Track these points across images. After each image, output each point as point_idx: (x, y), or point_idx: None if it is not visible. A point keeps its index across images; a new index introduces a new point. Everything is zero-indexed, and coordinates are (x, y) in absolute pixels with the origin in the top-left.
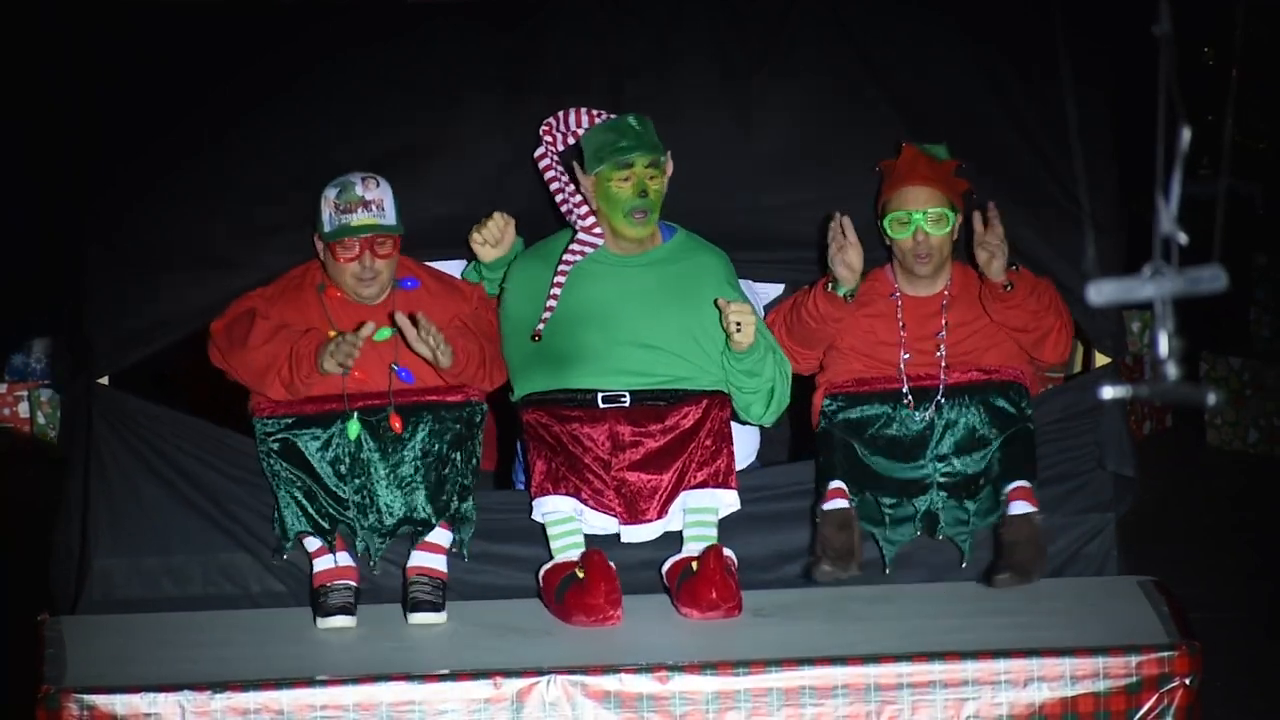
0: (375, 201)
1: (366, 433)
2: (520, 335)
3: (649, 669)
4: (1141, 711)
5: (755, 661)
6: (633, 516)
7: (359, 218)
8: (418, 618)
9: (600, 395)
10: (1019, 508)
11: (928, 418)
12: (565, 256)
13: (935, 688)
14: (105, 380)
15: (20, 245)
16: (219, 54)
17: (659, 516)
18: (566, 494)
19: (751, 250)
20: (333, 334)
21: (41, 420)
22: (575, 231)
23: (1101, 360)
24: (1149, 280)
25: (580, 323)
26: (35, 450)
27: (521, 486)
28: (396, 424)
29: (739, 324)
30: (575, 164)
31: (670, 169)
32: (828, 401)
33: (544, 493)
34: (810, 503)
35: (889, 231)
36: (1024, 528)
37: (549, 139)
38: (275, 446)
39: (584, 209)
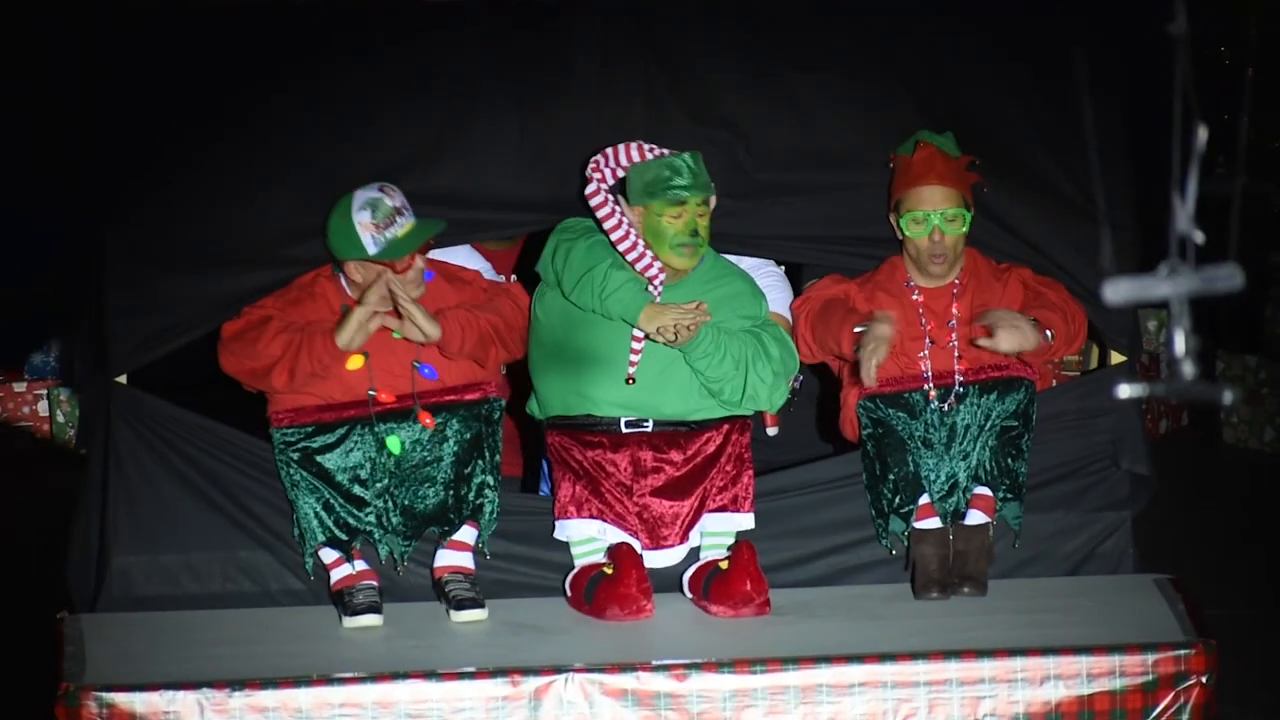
0: (403, 206)
1: (384, 436)
2: (549, 356)
3: (666, 667)
4: (1158, 709)
5: (772, 659)
6: (655, 542)
7: (402, 226)
8: (463, 615)
9: (623, 421)
10: (976, 516)
11: (947, 411)
12: (658, 294)
13: (952, 686)
14: (124, 379)
15: (40, 245)
16: (237, 54)
17: (681, 542)
18: (590, 517)
19: (773, 240)
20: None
21: (61, 418)
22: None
23: (1117, 358)
24: (1165, 279)
25: (609, 350)
26: (54, 449)
27: (546, 493)
28: (427, 420)
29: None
30: (619, 195)
31: (713, 204)
32: (865, 403)
33: (567, 515)
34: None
35: (905, 230)
36: (976, 537)
37: (598, 175)
38: (294, 456)
39: (649, 259)
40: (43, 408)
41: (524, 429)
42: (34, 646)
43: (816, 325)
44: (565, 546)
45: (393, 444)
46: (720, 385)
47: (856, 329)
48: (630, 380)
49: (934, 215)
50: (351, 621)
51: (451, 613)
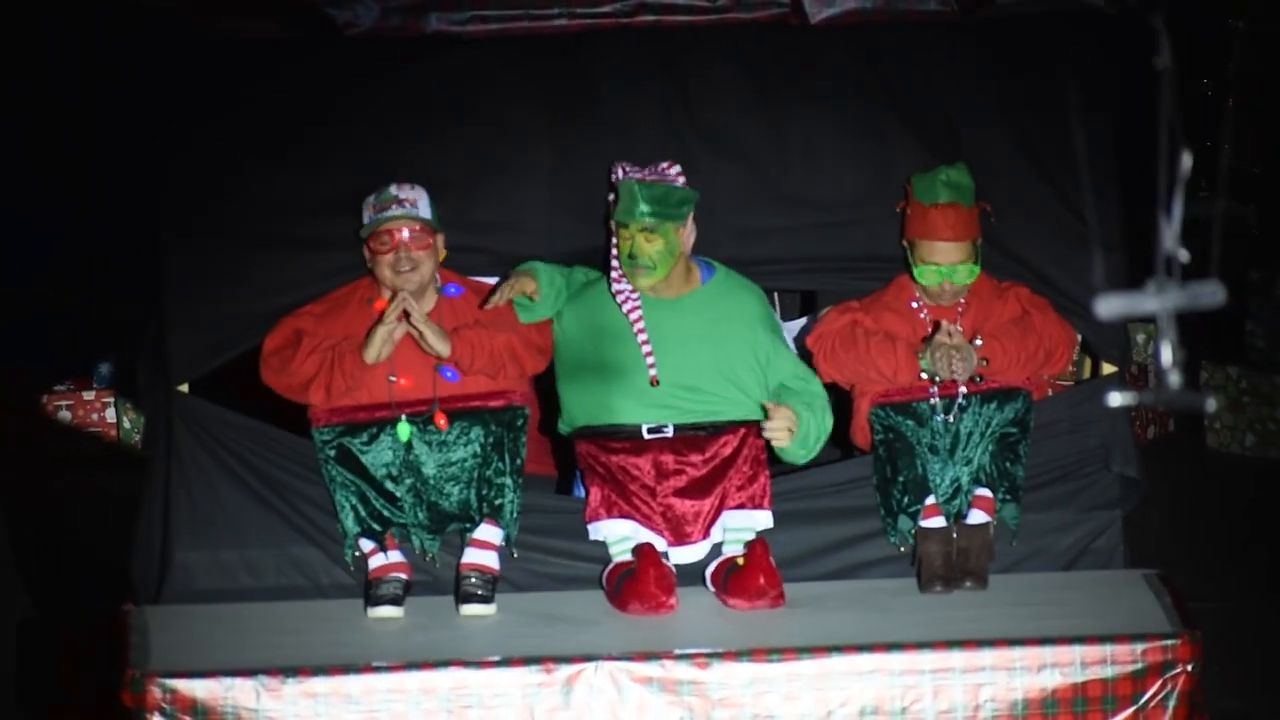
0: (409, 200)
1: (416, 435)
2: (572, 372)
3: (689, 656)
4: (1146, 696)
5: (788, 649)
6: (679, 539)
7: (393, 212)
8: (468, 609)
9: (645, 428)
10: (978, 516)
11: (951, 421)
12: (626, 310)
13: (955, 673)
14: (185, 387)
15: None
16: (288, 81)
17: (703, 538)
18: (619, 517)
19: (781, 264)
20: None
21: (127, 425)
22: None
23: (1108, 369)
24: (1153, 295)
25: (627, 363)
26: (121, 452)
27: (581, 495)
28: (441, 421)
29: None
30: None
31: (685, 232)
32: (877, 411)
33: (598, 518)
34: (815, 501)
35: (918, 276)
36: (978, 536)
37: (611, 195)
38: (332, 453)
39: (618, 273)
40: (110, 414)
41: (555, 435)
42: (103, 636)
43: (842, 359)
44: (597, 542)
45: (402, 431)
46: (791, 457)
47: (922, 363)
48: (654, 382)
49: (945, 269)
50: (373, 612)
51: (459, 606)
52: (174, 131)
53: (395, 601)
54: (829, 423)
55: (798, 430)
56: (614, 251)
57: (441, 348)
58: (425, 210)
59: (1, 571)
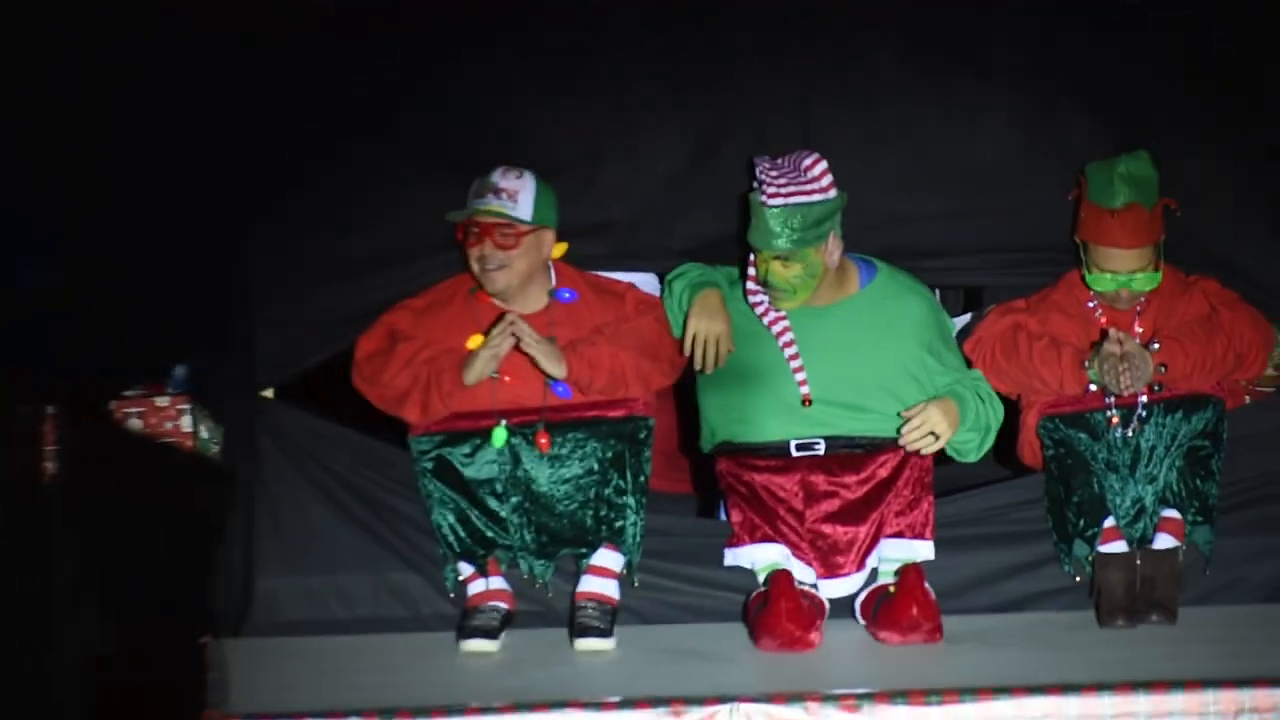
0: (508, 191)
1: (524, 447)
2: (710, 382)
3: (836, 698)
4: None
5: (949, 690)
6: (829, 570)
7: (485, 203)
8: (584, 643)
9: (793, 444)
10: (1165, 540)
11: (1131, 434)
12: (768, 322)
13: (1140, 719)
14: (270, 393)
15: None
16: (375, 71)
17: (857, 569)
18: (763, 541)
19: (938, 257)
20: (474, 345)
21: (205, 434)
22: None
23: None
24: None
25: (770, 372)
26: (198, 465)
27: (724, 518)
28: (543, 442)
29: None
30: None
31: (828, 248)
32: (1046, 424)
33: (739, 543)
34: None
35: (1091, 283)
36: (1165, 563)
37: (750, 185)
38: (429, 466)
39: (754, 283)
40: (186, 422)
41: (696, 451)
42: (177, 672)
43: (1003, 367)
44: (739, 569)
45: (497, 437)
46: (962, 452)
47: (1089, 375)
48: (806, 401)
49: (1123, 277)
50: (463, 645)
51: (574, 640)
52: (259, 120)
53: (489, 634)
54: (999, 410)
55: (951, 424)
56: (751, 260)
57: (557, 370)
58: (525, 205)
59: (69, 596)
